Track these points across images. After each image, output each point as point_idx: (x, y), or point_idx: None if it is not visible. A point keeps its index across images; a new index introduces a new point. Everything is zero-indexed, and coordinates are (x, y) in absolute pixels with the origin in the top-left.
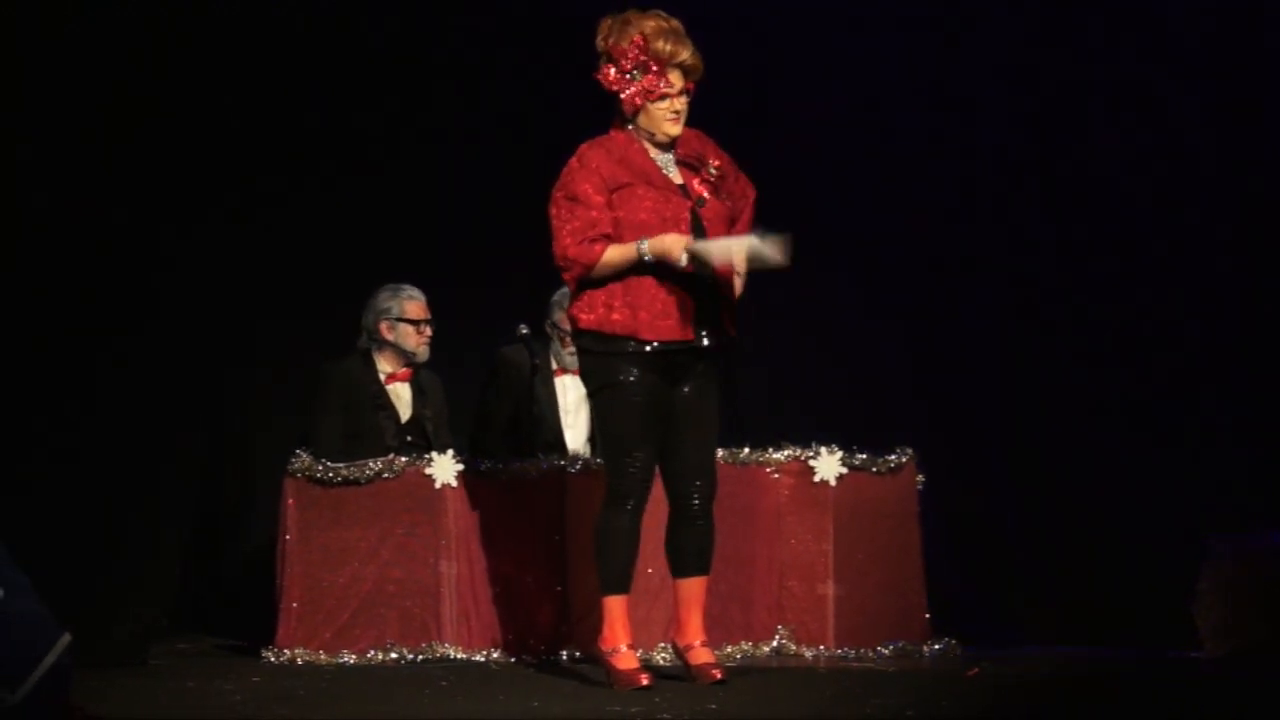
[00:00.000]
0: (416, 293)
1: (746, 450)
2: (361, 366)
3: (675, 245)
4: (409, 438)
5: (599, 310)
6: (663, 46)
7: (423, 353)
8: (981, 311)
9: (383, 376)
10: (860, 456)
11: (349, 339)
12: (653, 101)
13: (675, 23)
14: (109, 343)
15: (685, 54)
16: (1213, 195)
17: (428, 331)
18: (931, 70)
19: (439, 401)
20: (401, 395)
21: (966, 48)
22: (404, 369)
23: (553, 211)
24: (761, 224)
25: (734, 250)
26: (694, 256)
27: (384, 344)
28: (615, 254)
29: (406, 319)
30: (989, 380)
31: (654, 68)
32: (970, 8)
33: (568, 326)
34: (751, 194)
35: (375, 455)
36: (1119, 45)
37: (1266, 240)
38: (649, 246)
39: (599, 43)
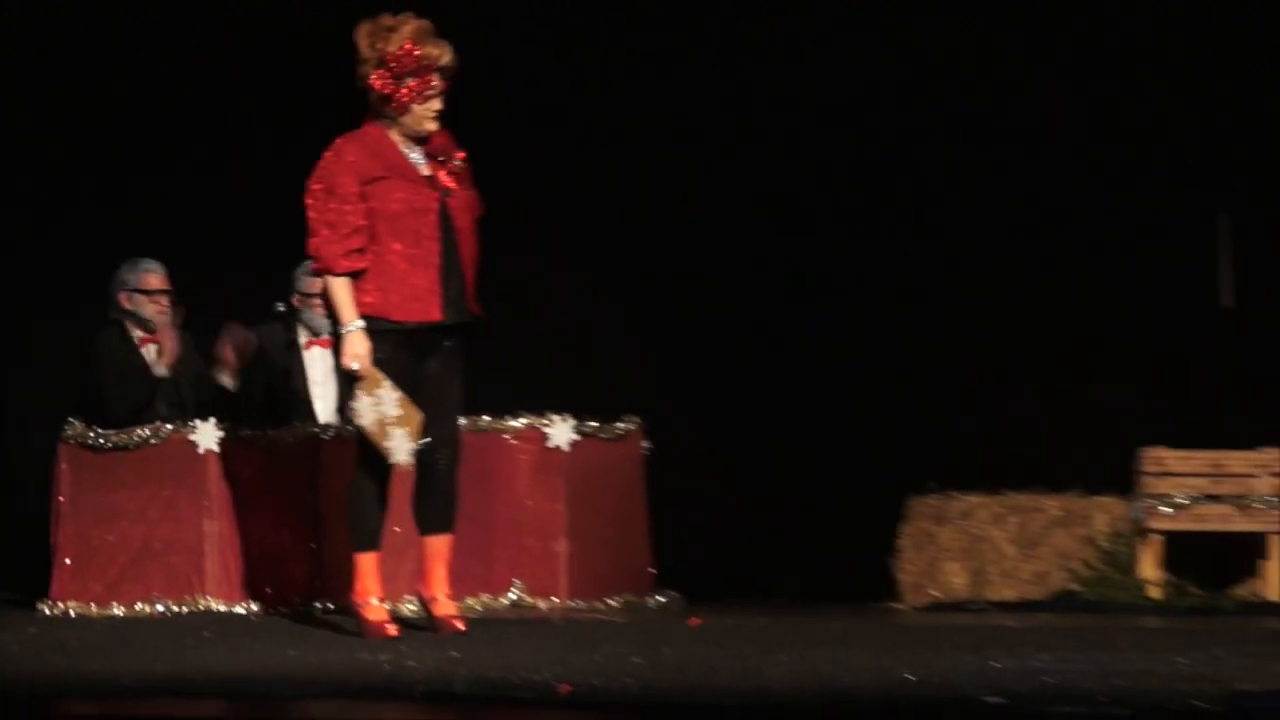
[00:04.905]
0: (154, 265)
1: (487, 418)
2: (119, 335)
3: (354, 357)
4: (171, 398)
5: (352, 293)
6: (429, 50)
7: (159, 321)
8: (704, 291)
9: (136, 342)
10: (590, 425)
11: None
12: (419, 103)
13: (429, 24)
14: None
15: (448, 57)
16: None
17: (163, 301)
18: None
19: (188, 359)
20: (153, 356)
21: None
22: (151, 333)
23: (309, 202)
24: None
25: (384, 401)
26: (354, 375)
27: (125, 313)
28: (343, 292)
29: (142, 290)
30: (711, 353)
31: (422, 72)
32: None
33: (316, 288)
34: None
35: (143, 407)
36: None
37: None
38: (351, 335)
39: (365, 50)
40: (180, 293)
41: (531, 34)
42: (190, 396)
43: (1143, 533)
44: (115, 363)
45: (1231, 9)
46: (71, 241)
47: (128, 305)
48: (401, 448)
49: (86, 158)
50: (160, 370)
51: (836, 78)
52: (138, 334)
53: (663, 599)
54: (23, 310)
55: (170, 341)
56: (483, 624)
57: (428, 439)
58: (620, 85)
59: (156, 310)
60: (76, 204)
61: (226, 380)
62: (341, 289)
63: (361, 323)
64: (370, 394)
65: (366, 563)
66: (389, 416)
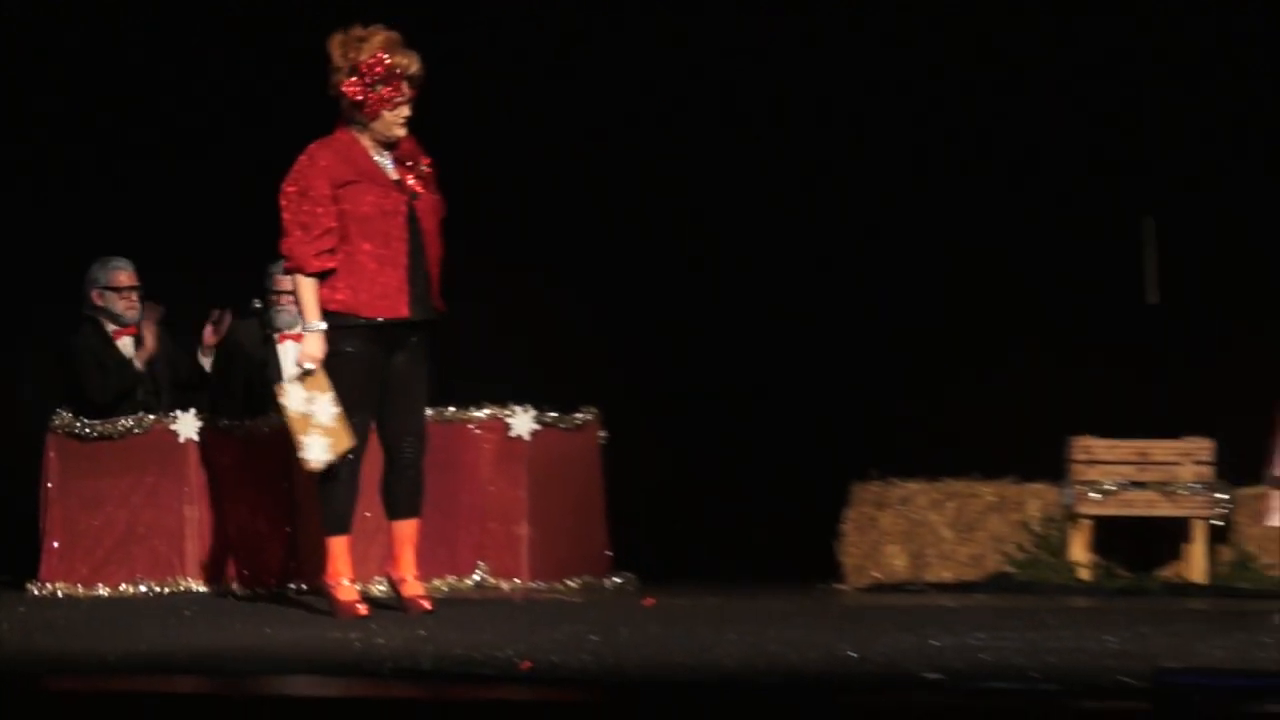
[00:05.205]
0: (122, 263)
1: (452, 409)
2: (95, 330)
3: (309, 358)
4: (148, 386)
5: (323, 291)
6: (400, 60)
7: (129, 316)
8: (656, 291)
9: (111, 334)
10: (551, 415)
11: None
12: (389, 110)
13: (398, 35)
14: None
15: (416, 66)
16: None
17: (132, 297)
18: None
19: (164, 349)
20: (128, 349)
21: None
22: (124, 327)
23: (283, 203)
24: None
25: (318, 404)
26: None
27: (97, 309)
28: (310, 292)
29: (112, 287)
30: (665, 349)
31: (393, 80)
32: None
33: (286, 286)
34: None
35: (123, 396)
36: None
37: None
38: (311, 336)
39: (338, 59)
40: (163, 290)
41: (484, 37)
42: (166, 384)
43: (1073, 517)
44: (94, 356)
45: (1165, 31)
46: (53, 239)
47: (99, 302)
48: (315, 452)
49: (66, 157)
50: (138, 363)
51: (786, 71)
52: (111, 328)
53: (619, 580)
54: (7, 305)
55: (151, 338)
56: (449, 604)
57: (344, 459)
58: (574, 86)
59: (126, 306)
60: (58, 202)
61: (205, 361)
62: (309, 289)
63: (323, 325)
64: (309, 392)
65: (338, 546)
66: (315, 421)
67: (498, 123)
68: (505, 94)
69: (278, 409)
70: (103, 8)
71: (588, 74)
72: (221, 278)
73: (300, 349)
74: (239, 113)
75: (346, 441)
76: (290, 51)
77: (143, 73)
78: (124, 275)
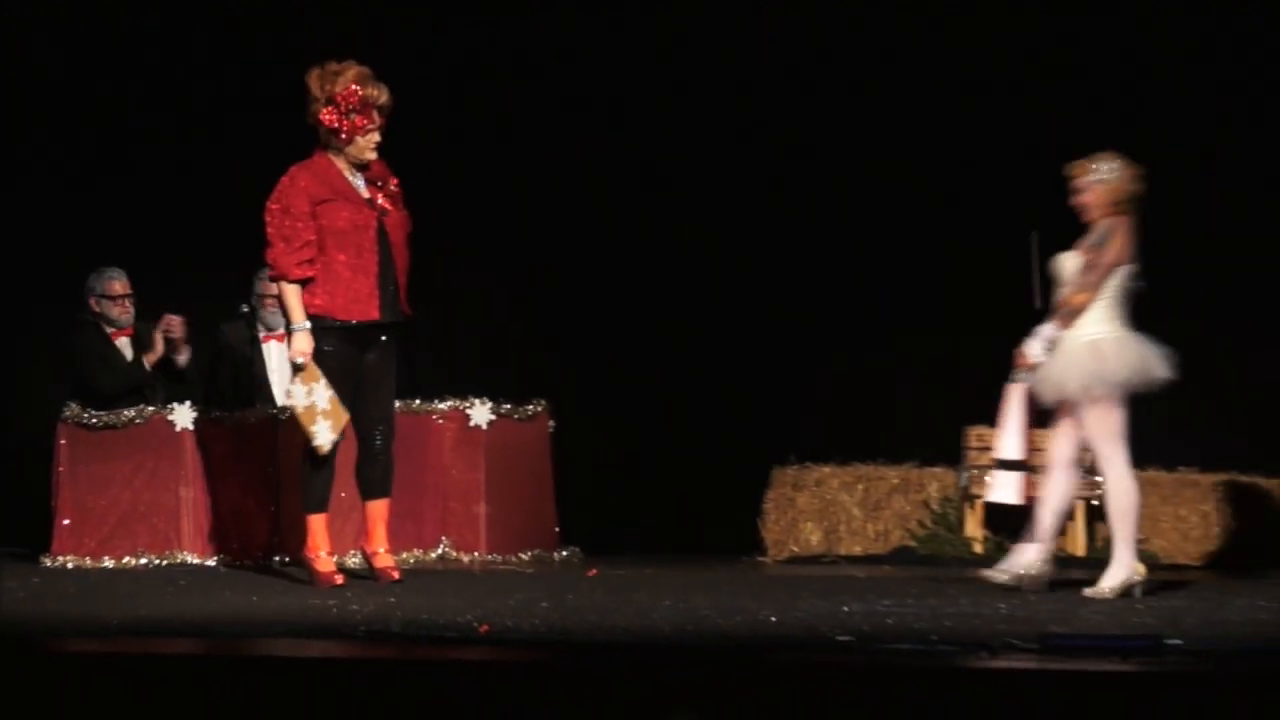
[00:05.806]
0: (116, 273)
1: (418, 402)
2: (95, 333)
3: (300, 353)
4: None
5: (303, 297)
6: (371, 91)
7: (124, 320)
8: (602, 298)
9: (110, 336)
10: (506, 406)
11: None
12: (361, 135)
13: (369, 69)
14: None
15: (385, 97)
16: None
17: (126, 303)
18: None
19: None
20: (126, 348)
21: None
22: (120, 330)
23: (268, 218)
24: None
25: (317, 393)
26: (297, 367)
27: (96, 315)
28: (294, 297)
29: (107, 295)
30: (608, 347)
31: (365, 109)
32: None
33: (270, 291)
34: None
35: (125, 390)
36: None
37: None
38: (298, 334)
39: (316, 90)
40: (159, 293)
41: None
42: (160, 379)
43: (968, 498)
44: (97, 354)
45: (1057, 66)
46: (54, 243)
47: (96, 308)
48: (324, 436)
49: (67, 163)
50: (146, 363)
51: (716, 67)
52: (109, 330)
53: (566, 553)
54: (16, 306)
55: (160, 344)
56: (415, 574)
57: (343, 437)
58: (545, 91)
59: (121, 312)
60: (61, 206)
61: (181, 359)
62: (293, 294)
63: (308, 324)
64: (307, 385)
65: (317, 523)
66: (319, 408)
67: (454, 128)
68: (473, 98)
69: (273, 407)
70: (103, 16)
71: (565, 75)
72: (211, 282)
73: (291, 347)
74: (230, 132)
75: (344, 416)
76: (276, 73)
77: (136, 83)
78: (118, 284)
